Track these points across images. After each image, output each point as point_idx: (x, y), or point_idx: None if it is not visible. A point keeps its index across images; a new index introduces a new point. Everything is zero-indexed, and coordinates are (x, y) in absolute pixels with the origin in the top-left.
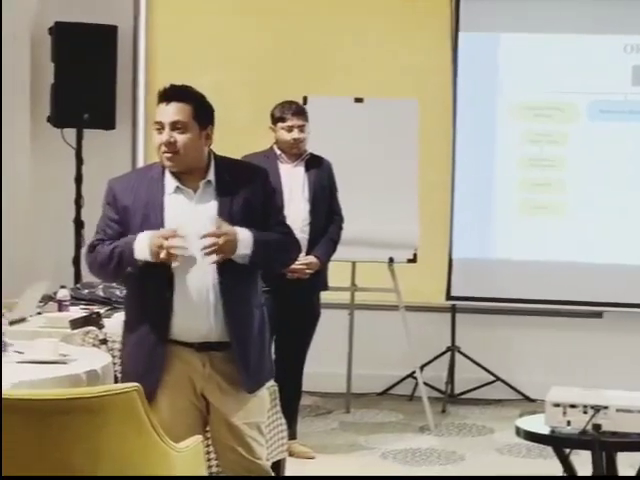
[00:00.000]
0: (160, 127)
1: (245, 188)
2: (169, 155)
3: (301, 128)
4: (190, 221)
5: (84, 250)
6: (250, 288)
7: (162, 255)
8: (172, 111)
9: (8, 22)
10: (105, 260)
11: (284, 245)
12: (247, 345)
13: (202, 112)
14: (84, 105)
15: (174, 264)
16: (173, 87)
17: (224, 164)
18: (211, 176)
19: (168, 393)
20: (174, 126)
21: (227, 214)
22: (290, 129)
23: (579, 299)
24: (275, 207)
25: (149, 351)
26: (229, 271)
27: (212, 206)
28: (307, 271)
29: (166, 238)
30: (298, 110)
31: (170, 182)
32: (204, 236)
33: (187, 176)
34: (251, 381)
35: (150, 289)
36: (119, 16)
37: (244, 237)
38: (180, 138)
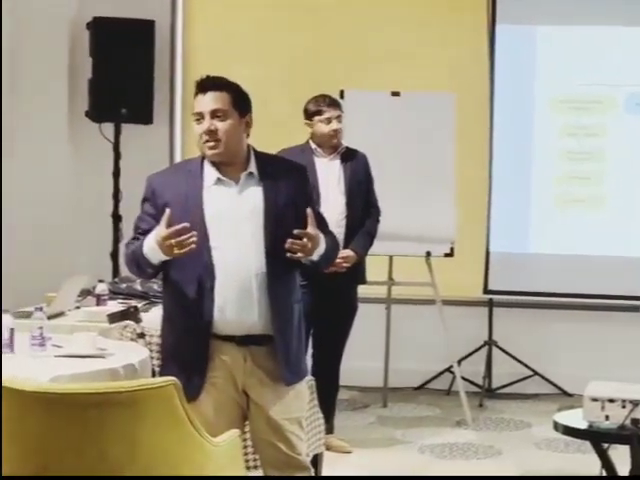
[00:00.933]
0: (200, 117)
1: (288, 184)
2: (211, 143)
3: (338, 119)
4: (232, 211)
5: (122, 248)
6: (291, 281)
7: (176, 251)
8: (211, 100)
9: (47, 17)
10: (129, 263)
11: (335, 250)
12: (288, 338)
13: (240, 100)
14: (122, 100)
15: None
16: (209, 77)
17: (264, 158)
18: (252, 168)
19: (211, 390)
20: (214, 114)
21: (274, 206)
22: (329, 121)
23: (617, 293)
24: (317, 206)
25: (193, 348)
26: (273, 263)
27: (255, 197)
28: (344, 265)
29: (168, 237)
30: (333, 101)
31: (210, 174)
32: (301, 234)
33: (227, 168)
34: (292, 374)
35: (190, 281)
36: (157, 11)
37: (321, 246)
38: (221, 125)
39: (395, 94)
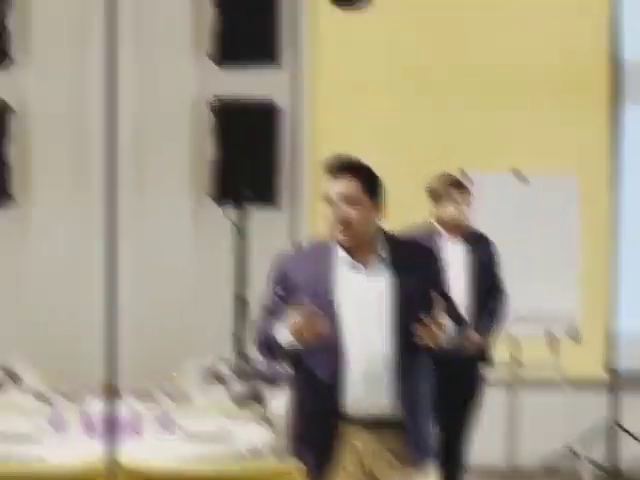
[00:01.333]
0: (331, 202)
1: (419, 268)
2: (342, 230)
3: (466, 202)
4: (361, 295)
5: (251, 329)
6: (420, 364)
7: (308, 338)
8: (342, 186)
9: (170, 97)
10: (260, 346)
11: (463, 337)
12: (418, 421)
13: (372, 184)
14: (245, 182)
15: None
16: (341, 161)
17: (394, 240)
18: (382, 252)
19: (341, 474)
20: (346, 201)
21: (403, 290)
22: (457, 204)
23: None
24: (449, 290)
25: (322, 432)
26: (402, 346)
27: (385, 281)
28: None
29: (302, 325)
30: (461, 184)
31: (340, 257)
32: (429, 321)
33: (357, 250)
34: (421, 457)
35: (320, 365)
36: (278, 90)
37: (450, 332)
38: (352, 213)
39: (517, 176)
